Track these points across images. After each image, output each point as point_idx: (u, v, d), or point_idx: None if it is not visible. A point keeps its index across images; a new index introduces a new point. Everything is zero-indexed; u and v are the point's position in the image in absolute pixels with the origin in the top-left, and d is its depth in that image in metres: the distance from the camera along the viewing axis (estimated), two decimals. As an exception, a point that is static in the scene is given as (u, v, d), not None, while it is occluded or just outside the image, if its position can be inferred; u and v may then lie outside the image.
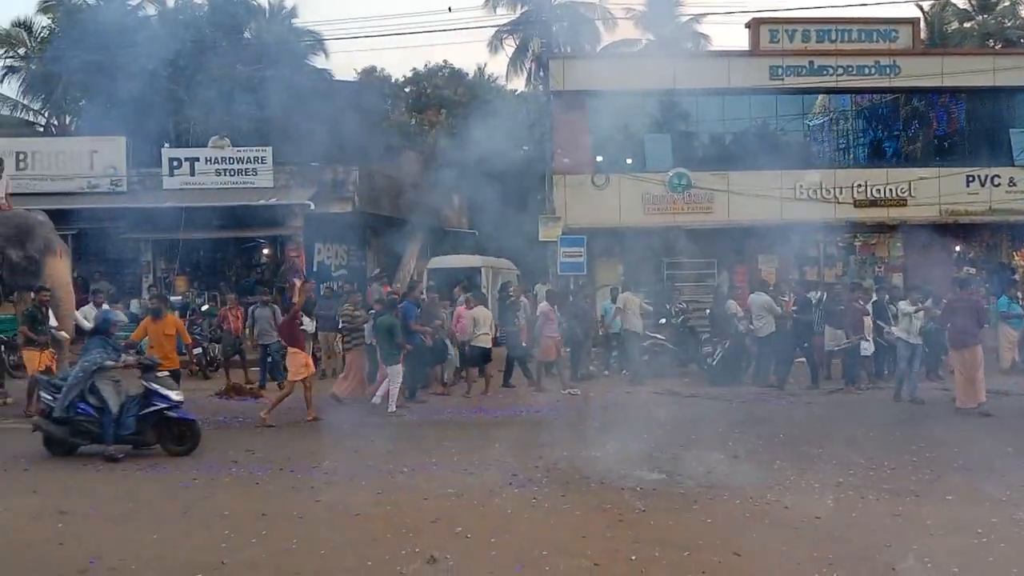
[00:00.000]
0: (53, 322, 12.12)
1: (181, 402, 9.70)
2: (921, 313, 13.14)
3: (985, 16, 33.80)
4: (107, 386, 9.38)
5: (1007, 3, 34.05)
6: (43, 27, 28.90)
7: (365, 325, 13.41)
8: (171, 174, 20.77)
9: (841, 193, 21.14)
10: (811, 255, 22.11)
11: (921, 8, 32.26)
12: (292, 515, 7.04)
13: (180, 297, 19.10)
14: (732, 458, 9.06)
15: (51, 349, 12.16)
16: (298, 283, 14.17)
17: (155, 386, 9.53)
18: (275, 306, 15.63)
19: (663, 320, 16.69)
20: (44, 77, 28.00)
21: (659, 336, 16.11)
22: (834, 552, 5.99)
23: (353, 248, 23.55)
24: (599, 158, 21.36)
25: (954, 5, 34.66)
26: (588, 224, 20.27)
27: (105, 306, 14.90)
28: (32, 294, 12.31)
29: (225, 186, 20.62)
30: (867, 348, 14.43)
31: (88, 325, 13.82)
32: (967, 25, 34.01)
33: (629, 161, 21.47)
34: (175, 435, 9.57)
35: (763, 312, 14.67)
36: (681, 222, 20.61)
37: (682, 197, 20.96)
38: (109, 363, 9.48)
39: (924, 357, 13.68)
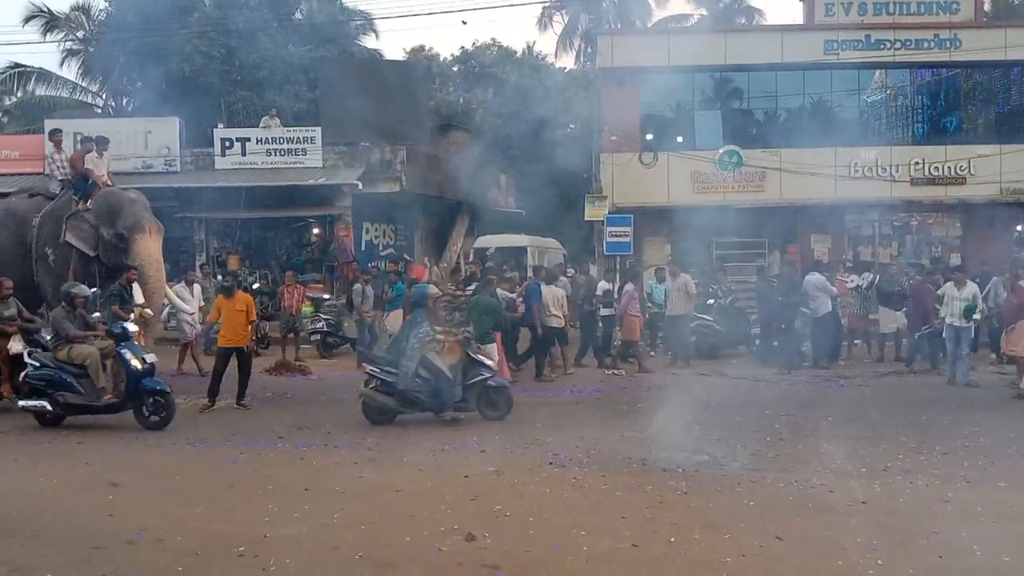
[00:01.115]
0: (139, 299, 12.10)
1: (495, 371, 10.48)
2: (971, 295, 12.79)
3: (1054, -15, 32.48)
4: (439, 358, 9.96)
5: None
6: (101, 10, 29.46)
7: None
8: (223, 154, 21.09)
9: (897, 171, 20.57)
10: (865, 235, 21.65)
11: (986, -22, 31.11)
12: (334, 490, 7.12)
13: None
14: (778, 441, 8.93)
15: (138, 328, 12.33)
16: (427, 261, 14.19)
17: (480, 357, 10.32)
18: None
19: (711, 301, 16.50)
20: (102, 60, 28.59)
21: (706, 317, 15.92)
22: (879, 538, 5.86)
23: (400, 227, 23.69)
24: (648, 136, 21.09)
25: (1021, -25, 33.39)
26: (635, 203, 20.06)
27: (196, 285, 15.22)
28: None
29: (276, 166, 20.89)
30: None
31: (185, 306, 14.16)
32: (1034, -5, 32.74)
33: (680, 139, 21.16)
34: (491, 401, 10.25)
35: (819, 292, 14.46)
36: (731, 200, 20.29)
37: (733, 175, 20.62)
38: (439, 335, 10.23)
39: (973, 340, 13.29)
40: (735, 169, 20.58)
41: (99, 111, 30.13)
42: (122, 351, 9.94)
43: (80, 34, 29.87)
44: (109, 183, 13.20)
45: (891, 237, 21.74)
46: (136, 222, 12.45)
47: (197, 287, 15.31)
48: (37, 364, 9.98)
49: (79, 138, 14.08)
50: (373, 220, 22.74)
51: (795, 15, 22.06)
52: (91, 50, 29.37)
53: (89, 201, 12.58)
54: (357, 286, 15.46)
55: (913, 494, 6.93)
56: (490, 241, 22.71)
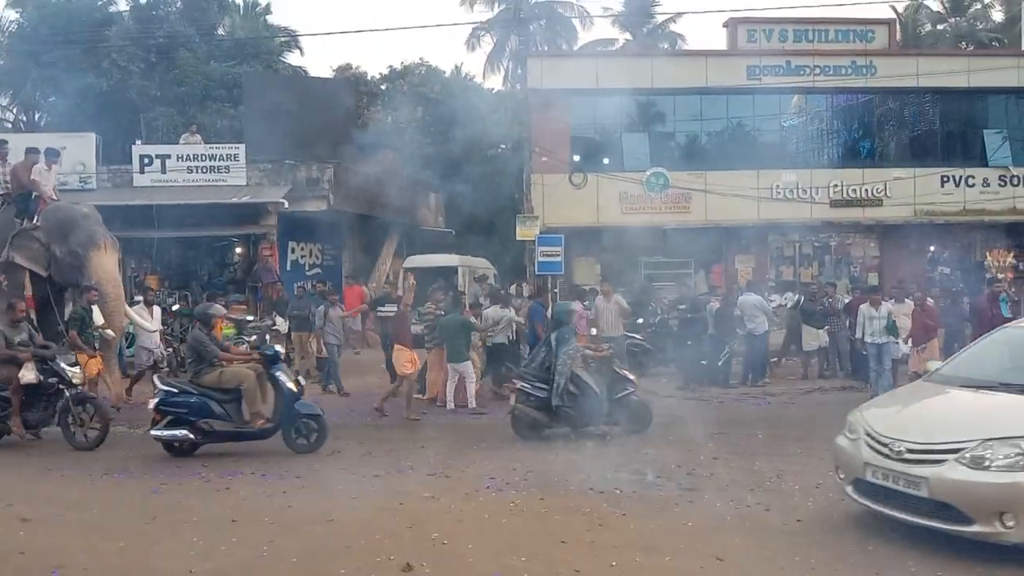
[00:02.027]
0: (99, 320, 11.58)
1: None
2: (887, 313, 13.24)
3: (958, 18, 34.14)
4: (587, 374, 10.15)
5: (979, 6, 34.42)
6: (11, 21, 28.32)
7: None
8: (142, 171, 20.37)
9: (817, 193, 21.18)
10: (787, 255, 22.20)
11: (895, 10, 32.51)
12: (263, 521, 6.83)
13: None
14: (711, 459, 8.97)
15: (99, 352, 11.66)
16: (411, 280, 13.93)
17: (624, 372, 10.68)
18: (342, 305, 15.41)
19: (641, 320, 16.63)
20: (12, 73, 27.47)
21: (637, 336, 16.02)
22: (816, 556, 5.90)
23: (328, 247, 23.28)
24: (576, 157, 21.26)
25: (927, 7, 35.01)
26: (566, 223, 20.15)
27: (143, 306, 14.52)
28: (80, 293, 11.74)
29: (197, 184, 20.27)
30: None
31: (148, 325, 13.50)
32: (940, 27, 34.35)
33: (606, 161, 21.38)
34: (636, 416, 10.46)
35: (757, 312, 14.77)
36: (659, 221, 20.56)
37: (660, 197, 20.91)
38: (589, 352, 10.53)
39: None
40: (662, 191, 20.88)
41: (9, 125, 28.92)
42: (276, 373, 9.49)
43: (-11, 45, 28.69)
44: (55, 198, 12.51)
45: (811, 257, 22.37)
46: (91, 238, 11.88)
47: (157, 308, 14.75)
48: (175, 390, 9.37)
49: (25, 149, 13.10)
50: (299, 239, 22.29)
51: (718, 41, 22.62)
52: (0, 63, 28.21)
53: (36, 218, 11.86)
54: (321, 308, 15.08)
55: (847, 510, 7.01)
56: (419, 261, 22.47)
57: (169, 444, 9.37)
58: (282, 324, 14.45)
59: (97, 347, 11.76)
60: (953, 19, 34.19)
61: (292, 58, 31.31)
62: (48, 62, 25.28)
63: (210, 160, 20.57)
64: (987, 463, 5.59)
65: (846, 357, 15.47)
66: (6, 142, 14.02)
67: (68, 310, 12.09)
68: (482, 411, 12.41)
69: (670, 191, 20.87)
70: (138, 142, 22.06)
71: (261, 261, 19.89)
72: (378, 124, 29.28)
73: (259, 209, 19.97)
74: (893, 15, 28.71)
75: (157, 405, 9.34)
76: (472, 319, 13.15)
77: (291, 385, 9.48)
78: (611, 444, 9.57)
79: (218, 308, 10.58)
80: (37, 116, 29.31)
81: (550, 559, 5.89)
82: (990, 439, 5.68)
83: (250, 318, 18.03)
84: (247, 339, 16.29)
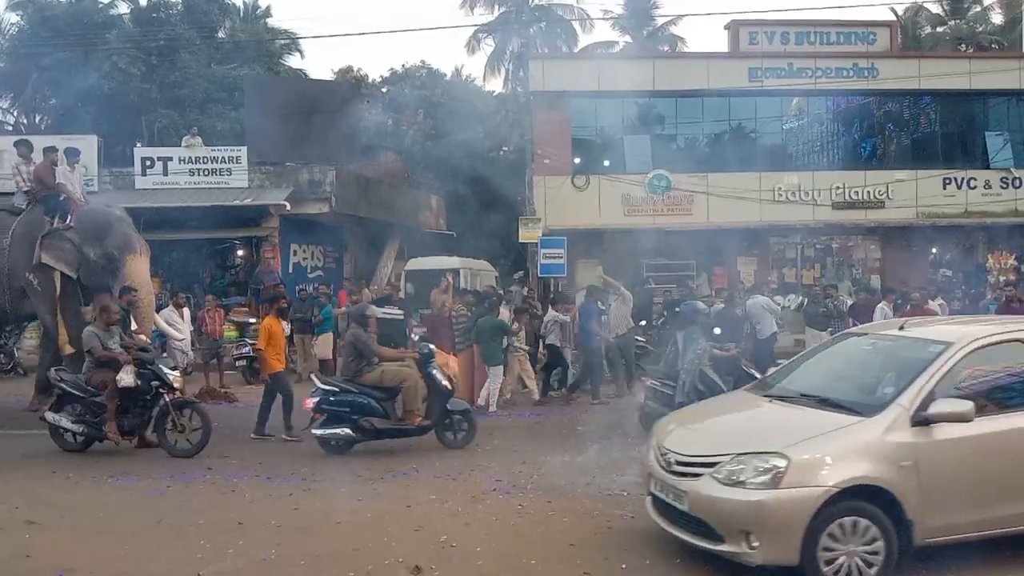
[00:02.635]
0: (133, 325, 11.34)
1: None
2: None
3: (957, 21, 34.13)
4: (715, 372, 10.10)
5: (979, 8, 34.41)
6: (12, 24, 28.35)
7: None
8: (144, 174, 20.34)
9: (819, 195, 21.17)
10: (789, 257, 22.18)
11: (895, 12, 32.49)
12: (270, 524, 6.80)
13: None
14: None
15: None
16: (449, 279, 13.90)
17: (752, 370, 10.48)
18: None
19: (644, 322, 16.57)
20: (13, 75, 27.48)
21: (640, 338, 15.97)
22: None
23: (329, 249, 23.26)
24: (578, 159, 21.24)
25: (927, 10, 34.99)
26: (568, 225, 20.15)
27: (179, 309, 14.50)
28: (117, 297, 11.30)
29: (199, 186, 20.24)
30: None
31: (176, 333, 13.43)
32: (940, 30, 34.33)
33: (608, 163, 21.37)
34: None
35: (765, 313, 14.64)
36: (661, 223, 20.55)
37: (662, 199, 20.89)
38: (717, 351, 10.42)
39: None
40: (664, 193, 20.86)
41: (10, 128, 28.92)
42: (432, 371, 9.64)
43: (-11, 48, 28.73)
44: (83, 199, 12.35)
45: (814, 259, 22.36)
46: (127, 242, 11.73)
47: (187, 311, 14.71)
48: (336, 389, 9.46)
49: (43, 148, 12.88)
50: (301, 242, 22.24)
51: (720, 44, 22.61)
52: (1, 65, 28.22)
53: (68, 219, 11.69)
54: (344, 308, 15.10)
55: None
56: (421, 263, 22.44)
57: (325, 442, 9.46)
58: (286, 327, 14.41)
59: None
60: (953, 21, 34.18)
61: (293, 61, 31.37)
62: (49, 64, 25.28)
63: (212, 163, 20.54)
64: (738, 478, 5.31)
65: None
66: (27, 142, 13.82)
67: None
68: (501, 414, 12.30)
69: (672, 193, 20.85)
70: (139, 144, 22.05)
71: (263, 264, 19.87)
72: (379, 126, 29.30)
73: (261, 211, 19.96)
74: (894, 17, 28.74)
75: (318, 404, 9.42)
76: (506, 321, 13.15)
77: (446, 383, 9.66)
78: (617, 446, 9.51)
79: (373, 309, 10.73)
80: (38, 119, 29.32)
81: (560, 562, 5.87)
82: (743, 453, 5.41)
83: (252, 320, 18.05)
84: (250, 341, 16.31)
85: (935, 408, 5.42)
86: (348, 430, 9.35)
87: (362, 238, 24.46)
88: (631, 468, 8.55)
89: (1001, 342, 5.89)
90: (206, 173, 20.47)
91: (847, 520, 5.21)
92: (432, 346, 10.16)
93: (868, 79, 21.41)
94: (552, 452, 9.43)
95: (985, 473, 5.49)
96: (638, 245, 19.58)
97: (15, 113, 29.65)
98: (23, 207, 12.19)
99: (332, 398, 9.44)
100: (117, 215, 12.20)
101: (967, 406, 5.38)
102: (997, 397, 5.80)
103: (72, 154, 12.67)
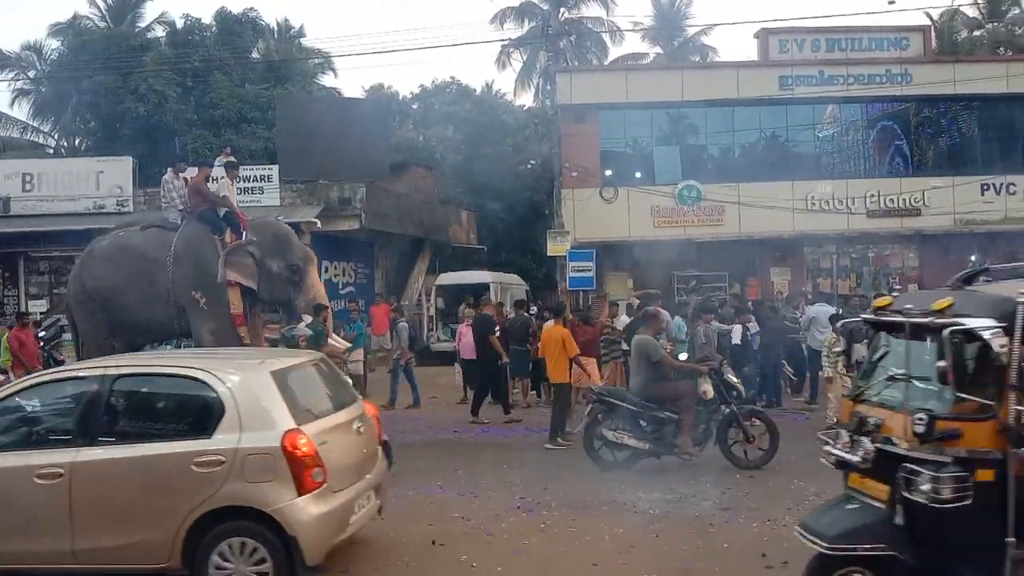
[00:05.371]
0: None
1: None
2: None
3: (995, 24, 33.48)
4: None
5: (1017, 11, 33.75)
6: (53, 50, 29.01)
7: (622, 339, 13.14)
8: (178, 193, 20.64)
9: (854, 203, 20.84)
10: (824, 267, 21.84)
11: (930, 17, 31.99)
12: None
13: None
14: (747, 478, 8.78)
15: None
16: (606, 296, 14.03)
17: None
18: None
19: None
20: (53, 100, 28.11)
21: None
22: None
23: (360, 266, 23.41)
24: (607, 172, 21.16)
25: (963, 14, 34.37)
26: (597, 238, 20.06)
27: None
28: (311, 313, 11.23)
29: (232, 205, 20.49)
30: None
31: (338, 345, 13.55)
32: (976, 33, 33.71)
33: (638, 174, 21.26)
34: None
35: (828, 325, 14.23)
36: (691, 234, 20.38)
37: (692, 210, 20.71)
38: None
39: None
40: (694, 203, 20.68)
41: (51, 151, 29.59)
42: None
43: (31, 74, 29.39)
44: (242, 215, 11.95)
45: (849, 268, 22.01)
46: (307, 253, 11.65)
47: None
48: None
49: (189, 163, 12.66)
50: (332, 258, 22.40)
51: (750, 52, 22.39)
52: (43, 90, 28.88)
53: (244, 234, 11.36)
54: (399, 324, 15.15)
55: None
56: (451, 278, 22.49)
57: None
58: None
59: None
60: (990, 24, 33.54)
61: (326, 80, 31.65)
62: (88, 88, 25.82)
63: (244, 181, 20.77)
64: None
65: None
66: (184, 160, 13.54)
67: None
68: None
69: (703, 204, 20.65)
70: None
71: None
72: (410, 142, 29.48)
73: (293, 229, 20.12)
74: (928, 22, 28.29)
75: None
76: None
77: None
78: (642, 462, 9.34)
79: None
80: (78, 141, 29.94)
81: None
82: None
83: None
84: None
85: None
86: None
87: (392, 254, 24.60)
88: (657, 484, 8.42)
89: None
90: (239, 192, 20.66)
91: None
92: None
93: (902, 85, 21.04)
94: (577, 469, 9.27)
95: None
96: (668, 256, 19.43)
97: (55, 136, 30.30)
98: (178, 223, 11.69)
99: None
100: (288, 227, 12.04)
101: None
102: None
103: (231, 166, 12.48)
